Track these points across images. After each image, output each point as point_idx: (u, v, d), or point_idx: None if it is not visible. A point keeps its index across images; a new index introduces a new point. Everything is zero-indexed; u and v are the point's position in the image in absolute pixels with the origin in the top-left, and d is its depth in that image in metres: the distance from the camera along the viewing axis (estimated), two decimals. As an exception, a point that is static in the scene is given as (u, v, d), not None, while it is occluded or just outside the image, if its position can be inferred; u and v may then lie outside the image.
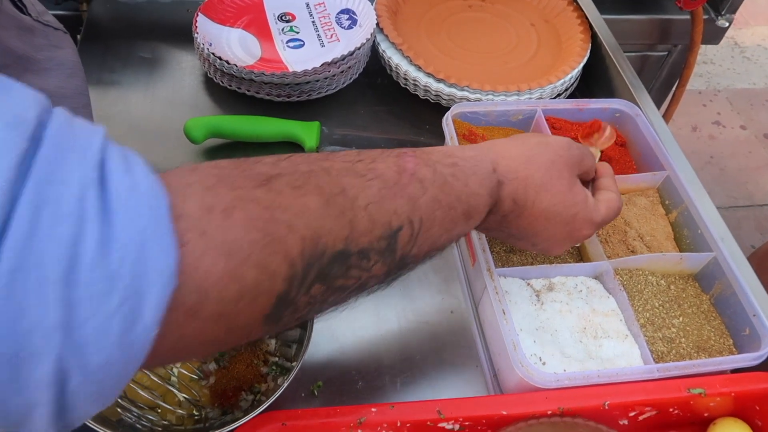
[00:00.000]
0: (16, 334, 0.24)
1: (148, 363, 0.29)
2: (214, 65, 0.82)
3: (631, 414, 0.56)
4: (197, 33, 0.82)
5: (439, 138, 0.81)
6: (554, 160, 0.51)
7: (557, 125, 0.78)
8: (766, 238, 2.09)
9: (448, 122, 0.73)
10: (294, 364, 0.54)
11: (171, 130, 0.81)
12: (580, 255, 0.68)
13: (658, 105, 1.28)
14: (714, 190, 2.22)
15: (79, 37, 0.93)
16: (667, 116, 1.29)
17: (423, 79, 0.84)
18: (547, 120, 0.76)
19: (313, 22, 0.90)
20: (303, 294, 0.34)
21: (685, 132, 2.37)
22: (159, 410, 0.55)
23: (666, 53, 1.29)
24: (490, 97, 0.82)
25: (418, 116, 0.87)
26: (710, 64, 2.68)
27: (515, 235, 0.53)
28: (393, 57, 0.86)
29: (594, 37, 0.92)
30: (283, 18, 0.90)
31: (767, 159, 2.31)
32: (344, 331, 0.66)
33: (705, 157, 2.29)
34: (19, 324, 0.24)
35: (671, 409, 0.57)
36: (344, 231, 0.36)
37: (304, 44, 0.87)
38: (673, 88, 1.28)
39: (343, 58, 0.82)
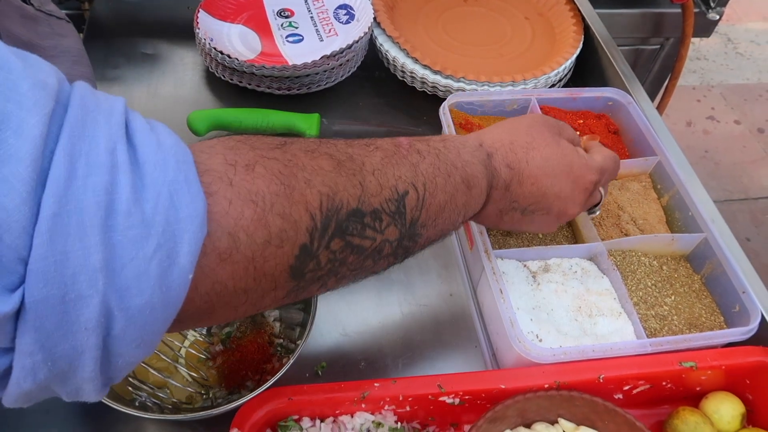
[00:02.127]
0: (63, 276, 0.26)
1: (185, 315, 0.31)
2: (216, 59, 0.84)
3: (626, 388, 0.58)
4: (199, 29, 0.84)
5: (436, 129, 0.83)
6: (531, 124, 0.54)
7: (551, 114, 0.80)
8: (761, 231, 2.11)
9: (444, 111, 0.75)
10: (299, 342, 0.55)
11: (174, 123, 0.82)
12: (574, 237, 0.70)
13: (652, 98, 1.30)
14: (709, 184, 2.25)
15: (81, 35, 0.95)
16: (660, 108, 1.31)
17: (420, 71, 0.86)
18: (541, 109, 0.78)
19: (312, 17, 0.92)
20: (324, 248, 0.36)
21: (679, 127, 2.40)
22: (168, 389, 0.57)
23: (658, 47, 1.31)
24: (486, 87, 0.84)
25: (416, 108, 0.89)
26: (704, 60, 2.71)
27: (529, 207, 0.54)
28: (390, 50, 0.88)
29: (587, 30, 0.94)
30: (282, 14, 0.92)
31: (761, 153, 2.33)
32: (347, 314, 0.68)
33: (700, 152, 2.32)
34: (64, 267, 0.26)
35: (664, 383, 0.59)
36: (357, 191, 0.38)
37: (303, 39, 0.89)
38: (666, 81, 1.30)
39: (342, 51, 0.84)
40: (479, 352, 0.66)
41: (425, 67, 0.86)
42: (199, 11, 0.87)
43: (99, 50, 0.91)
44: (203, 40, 0.84)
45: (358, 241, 0.39)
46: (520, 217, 0.55)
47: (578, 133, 0.77)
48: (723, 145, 2.34)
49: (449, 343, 0.67)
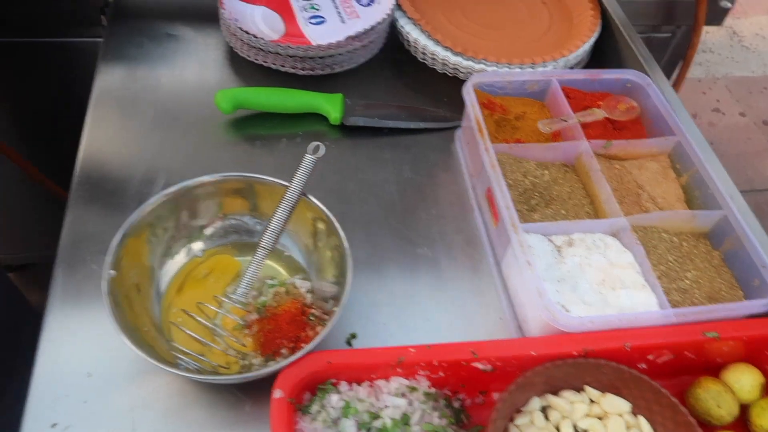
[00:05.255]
0: None
1: None
2: (241, 39, 0.85)
3: (650, 357, 0.60)
4: (224, 9, 0.85)
5: (457, 110, 0.84)
6: None
7: (572, 95, 0.81)
8: (766, 223, 2.13)
9: (468, 91, 0.76)
10: (335, 309, 0.57)
11: (200, 101, 0.84)
12: (596, 213, 0.72)
13: (663, 85, 1.31)
14: (714, 176, 2.26)
15: (103, 18, 0.97)
16: (671, 96, 1.33)
17: (441, 53, 0.87)
18: (562, 90, 0.80)
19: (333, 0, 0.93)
20: None
21: (685, 119, 2.41)
22: (206, 356, 0.58)
23: (670, 35, 1.32)
24: (506, 69, 0.85)
25: (436, 89, 0.90)
26: (709, 52, 2.72)
27: None
28: (411, 32, 0.89)
29: (604, 14, 0.95)
30: (304, -4, 0.93)
31: (766, 145, 2.35)
32: (376, 287, 0.69)
33: (705, 143, 2.33)
34: None
35: (687, 353, 0.60)
36: None
37: (325, 20, 0.90)
38: (678, 69, 1.31)
39: (365, 32, 0.85)
40: (503, 324, 0.68)
41: (446, 48, 0.87)
42: (223, -7, 0.88)
43: (123, 33, 0.92)
44: (228, 20, 0.85)
45: None
46: None
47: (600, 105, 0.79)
48: (728, 137, 2.36)
49: (474, 316, 0.68)
